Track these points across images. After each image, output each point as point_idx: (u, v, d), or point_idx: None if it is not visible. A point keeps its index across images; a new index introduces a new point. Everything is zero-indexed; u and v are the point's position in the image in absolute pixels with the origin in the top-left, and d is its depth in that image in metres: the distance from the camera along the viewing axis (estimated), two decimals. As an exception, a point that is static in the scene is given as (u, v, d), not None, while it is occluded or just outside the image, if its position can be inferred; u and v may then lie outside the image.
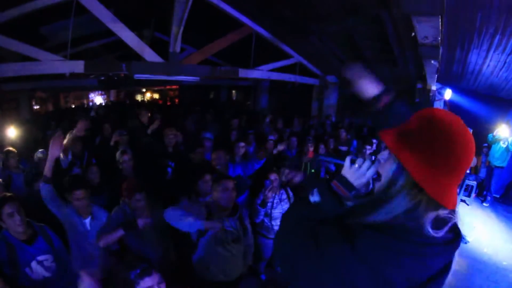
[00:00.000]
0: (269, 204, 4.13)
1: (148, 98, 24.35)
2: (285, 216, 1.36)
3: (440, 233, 1.03)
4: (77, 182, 3.32)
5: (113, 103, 18.94)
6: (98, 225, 3.28)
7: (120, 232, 3.04)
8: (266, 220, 4.20)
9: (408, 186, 1.03)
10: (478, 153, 8.92)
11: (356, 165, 1.21)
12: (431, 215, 1.01)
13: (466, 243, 5.80)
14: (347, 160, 1.24)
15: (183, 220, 2.92)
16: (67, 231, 3.21)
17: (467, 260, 5.34)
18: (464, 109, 8.46)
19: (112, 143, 5.20)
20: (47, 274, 2.76)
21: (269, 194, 4.02)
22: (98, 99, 22.95)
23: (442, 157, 0.99)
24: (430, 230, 1.00)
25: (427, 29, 2.43)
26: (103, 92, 23.43)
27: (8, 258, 2.66)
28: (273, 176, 4.16)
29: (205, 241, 3.05)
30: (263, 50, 8.41)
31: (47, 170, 3.19)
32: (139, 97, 24.78)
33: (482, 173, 8.76)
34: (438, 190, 0.99)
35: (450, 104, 8.50)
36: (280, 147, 5.28)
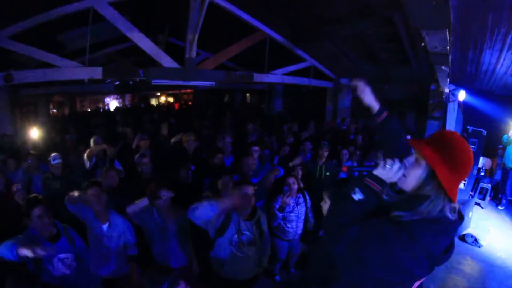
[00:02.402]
0: (286, 208, 4.23)
1: (163, 102, 24.62)
2: (335, 211, 1.65)
3: (455, 217, 1.46)
4: (93, 181, 3.51)
5: (129, 107, 19.26)
6: (115, 231, 3.43)
7: (144, 201, 3.35)
8: (282, 222, 4.30)
9: (435, 189, 1.44)
10: (493, 155, 8.77)
11: (388, 166, 1.51)
12: (448, 207, 1.45)
13: (479, 246, 5.77)
14: (381, 162, 1.54)
15: (206, 206, 2.99)
16: (88, 231, 3.38)
17: (481, 264, 5.31)
18: (478, 110, 8.38)
19: (134, 146, 5.37)
20: (67, 271, 2.91)
21: (287, 200, 4.14)
22: (113, 103, 23.30)
23: (462, 168, 1.46)
24: (450, 216, 1.44)
25: (436, 40, 2.53)
26: (118, 97, 23.79)
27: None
28: (291, 180, 4.26)
29: (222, 241, 3.17)
30: (277, 54, 8.47)
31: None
32: (154, 101, 25.09)
33: (498, 175, 8.54)
34: (453, 191, 1.43)
35: (464, 106, 8.44)
36: (297, 161, 5.33)
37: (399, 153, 1.58)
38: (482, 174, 8.10)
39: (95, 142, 5.13)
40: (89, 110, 19.52)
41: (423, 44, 2.75)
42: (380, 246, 1.42)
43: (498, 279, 4.87)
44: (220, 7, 6.86)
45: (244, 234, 3.21)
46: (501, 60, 5.74)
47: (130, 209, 3.39)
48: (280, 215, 4.20)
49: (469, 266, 5.17)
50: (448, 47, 2.59)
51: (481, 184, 7.55)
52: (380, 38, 6.75)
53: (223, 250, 3.19)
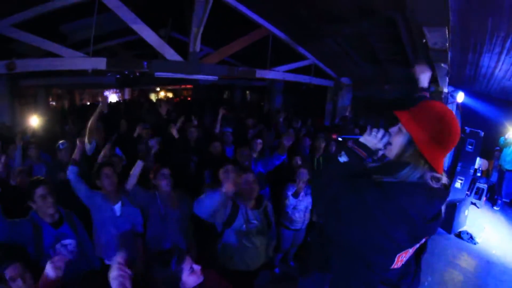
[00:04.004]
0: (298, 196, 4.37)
1: (162, 97, 24.60)
2: (322, 172, 1.77)
3: (436, 185, 1.47)
4: (106, 162, 3.66)
5: (129, 101, 19.27)
6: (126, 211, 3.47)
7: (139, 164, 3.49)
8: (290, 211, 4.39)
9: (415, 156, 1.49)
10: (490, 157, 8.94)
11: (374, 133, 1.63)
12: (429, 174, 1.47)
13: (475, 243, 5.89)
14: (368, 129, 1.65)
15: (207, 197, 3.02)
16: (94, 216, 3.40)
17: (476, 259, 5.44)
18: (476, 112, 8.49)
19: (135, 135, 5.42)
20: (68, 256, 2.89)
21: (302, 185, 4.28)
22: (112, 97, 23.27)
23: (442, 137, 1.47)
24: (430, 182, 1.46)
25: (436, 37, 2.66)
26: (118, 91, 23.76)
27: (34, 238, 2.80)
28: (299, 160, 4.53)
29: (230, 232, 3.22)
30: (279, 51, 8.55)
31: (76, 154, 3.48)
32: (153, 96, 25.07)
33: (494, 177, 8.69)
34: (435, 160, 1.47)
35: (462, 107, 8.53)
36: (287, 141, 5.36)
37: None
38: (479, 174, 8.23)
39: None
40: (88, 103, 19.50)
41: (424, 40, 2.85)
42: (355, 201, 1.48)
43: (493, 274, 5.00)
44: (224, 2, 6.91)
45: (252, 223, 3.26)
46: (500, 64, 5.81)
47: (128, 186, 3.48)
48: (294, 201, 4.31)
49: (465, 262, 5.31)
50: (447, 44, 2.71)
51: (477, 184, 7.73)
52: (381, 38, 6.80)
53: (231, 241, 3.23)
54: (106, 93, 23.64)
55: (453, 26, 5.09)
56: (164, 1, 8.24)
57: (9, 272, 2.33)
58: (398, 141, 1.57)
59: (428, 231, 1.58)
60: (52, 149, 4.98)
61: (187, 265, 2.21)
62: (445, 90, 5.91)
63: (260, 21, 7.74)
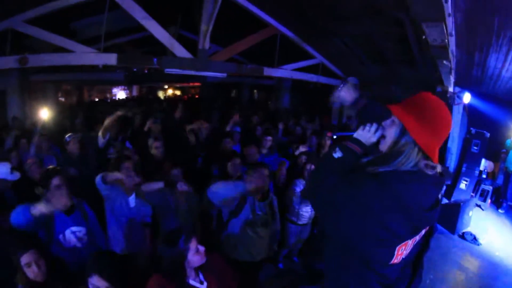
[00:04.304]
0: None
1: (170, 95, 24.76)
2: (317, 168, 1.78)
3: (431, 172, 1.51)
4: (125, 155, 3.84)
5: (137, 98, 19.45)
6: (139, 203, 3.58)
7: (160, 184, 3.54)
8: (297, 206, 4.47)
9: (409, 145, 1.52)
10: (496, 159, 8.87)
11: (367, 128, 1.67)
12: (424, 162, 1.51)
13: (478, 245, 5.91)
14: (361, 126, 1.69)
15: (228, 186, 3.18)
16: (108, 206, 3.52)
17: (479, 260, 5.46)
18: (483, 113, 8.41)
19: (146, 129, 5.54)
20: (78, 245, 3.04)
21: None
22: (120, 94, 23.48)
23: (434, 126, 1.52)
24: (425, 169, 1.50)
25: (434, 33, 2.71)
26: (125, 88, 23.96)
27: (46, 223, 2.92)
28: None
29: (236, 222, 3.35)
30: (287, 50, 8.62)
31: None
32: (161, 94, 25.24)
33: (500, 179, 8.59)
34: (429, 149, 1.51)
35: (469, 108, 8.51)
36: (302, 149, 5.51)
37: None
38: (484, 176, 8.19)
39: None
40: (97, 99, 19.73)
41: (424, 36, 2.90)
42: (352, 192, 1.51)
43: (495, 275, 5.01)
44: (233, 1, 7.02)
45: (258, 215, 3.40)
46: (507, 64, 5.77)
47: (144, 188, 3.57)
48: (300, 198, 4.39)
49: (468, 262, 5.33)
50: (446, 40, 2.75)
51: (483, 186, 7.69)
52: (388, 38, 6.83)
53: (236, 230, 3.36)
54: (114, 90, 23.89)
55: (459, 26, 5.14)
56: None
57: (24, 259, 2.44)
58: (391, 133, 1.60)
59: (427, 221, 1.59)
60: (62, 142, 5.09)
61: (193, 245, 2.36)
62: (450, 89, 5.90)
63: (269, 20, 7.81)
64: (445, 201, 7.19)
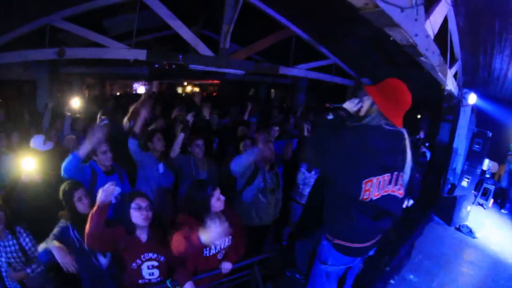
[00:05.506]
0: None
1: (189, 92, 25.21)
2: (316, 125, 2.62)
3: (391, 128, 2.24)
4: (155, 129, 4.73)
5: (159, 93, 20.00)
6: (168, 170, 4.40)
7: (182, 135, 4.37)
8: (301, 186, 4.99)
9: (376, 111, 2.29)
10: (502, 161, 8.82)
11: (352, 100, 2.45)
12: (384, 121, 2.25)
13: (474, 238, 6.08)
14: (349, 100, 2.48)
15: (246, 154, 4.02)
16: (140, 173, 4.31)
17: (473, 251, 5.63)
18: (491, 115, 8.53)
19: (172, 116, 6.14)
20: (112, 200, 3.55)
21: None
22: (141, 89, 24.10)
23: (395, 99, 2.25)
24: (384, 125, 2.24)
25: (397, 35, 3.06)
26: (146, 83, 24.54)
27: (91, 179, 3.70)
28: None
29: (250, 190, 4.09)
30: (302, 50, 9.05)
31: (137, 127, 4.24)
32: (180, 90, 25.74)
33: (504, 181, 8.60)
34: (389, 114, 2.24)
35: (477, 110, 8.58)
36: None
37: None
38: (488, 176, 8.28)
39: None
40: (118, 94, 20.37)
41: (391, 38, 3.26)
42: (334, 140, 2.23)
43: (486, 266, 5.11)
44: (252, 4, 7.54)
45: (268, 182, 4.15)
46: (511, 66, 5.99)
47: (173, 154, 4.34)
48: (308, 175, 4.90)
49: (462, 252, 5.51)
50: (411, 40, 3.12)
51: (485, 185, 7.86)
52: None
53: (250, 197, 4.07)
54: (135, 85, 24.53)
55: (463, 29, 5.43)
56: (196, 1, 8.86)
57: (77, 194, 3.15)
58: (366, 104, 2.38)
59: (390, 161, 2.25)
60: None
61: (217, 193, 3.05)
62: (448, 87, 6.07)
63: (285, 22, 8.27)
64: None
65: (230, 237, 3.25)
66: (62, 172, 3.45)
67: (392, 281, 4.14)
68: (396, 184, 2.31)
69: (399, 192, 2.33)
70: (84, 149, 3.46)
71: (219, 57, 7.29)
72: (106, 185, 2.79)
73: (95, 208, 2.74)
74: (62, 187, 3.22)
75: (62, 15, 6.17)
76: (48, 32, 6.08)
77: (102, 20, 8.23)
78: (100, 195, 2.75)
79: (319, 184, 3.07)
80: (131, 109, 5.25)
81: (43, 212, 3.56)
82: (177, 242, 2.70)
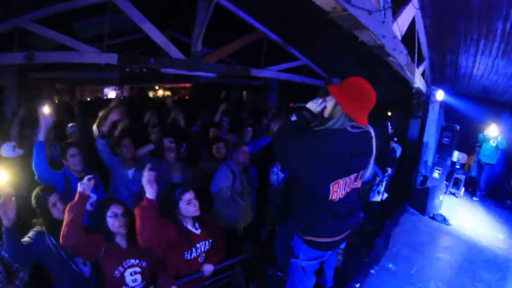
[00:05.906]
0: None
1: (160, 96, 24.90)
2: (279, 127, 2.50)
3: (356, 131, 2.20)
4: (125, 133, 4.56)
5: (129, 97, 19.67)
6: (140, 175, 4.15)
7: (150, 147, 4.50)
8: (275, 186, 4.98)
9: (339, 112, 2.23)
10: (471, 153, 9.40)
11: (315, 101, 2.39)
12: (349, 123, 2.20)
13: (448, 225, 6.30)
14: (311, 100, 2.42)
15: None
16: (111, 178, 4.22)
17: (446, 236, 5.87)
18: (458, 110, 8.93)
19: (145, 121, 6.08)
20: (89, 208, 3.55)
21: None
22: (112, 93, 23.62)
23: (358, 98, 2.22)
24: (350, 129, 2.19)
25: (364, 37, 3.16)
26: (117, 88, 24.07)
27: (65, 187, 3.61)
28: None
29: (230, 192, 4.14)
30: (273, 52, 9.09)
31: (105, 128, 4.17)
32: (151, 94, 25.41)
33: (474, 170, 9.13)
34: (354, 114, 2.20)
35: (445, 106, 8.96)
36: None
37: None
38: (458, 166, 8.68)
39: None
40: (89, 99, 19.92)
41: (359, 39, 3.35)
42: (297, 144, 2.21)
43: (462, 250, 5.30)
44: (224, 7, 7.52)
45: (244, 185, 4.22)
46: (477, 64, 6.24)
47: (139, 152, 4.36)
48: (282, 175, 4.90)
49: (437, 239, 5.74)
50: (378, 42, 3.22)
51: (455, 175, 8.21)
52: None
53: (227, 200, 4.14)
54: (106, 90, 24.04)
55: (429, 29, 5.60)
56: (168, 4, 8.72)
57: (51, 199, 3.08)
58: (330, 104, 2.31)
59: (354, 164, 2.29)
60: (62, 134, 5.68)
61: (186, 197, 3.04)
62: (416, 85, 6.29)
63: (256, 24, 8.29)
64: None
65: (210, 240, 3.26)
66: (35, 170, 3.45)
67: (372, 271, 4.23)
68: (360, 179, 2.46)
69: (357, 184, 2.47)
70: (41, 133, 3.49)
71: (191, 60, 7.20)
72: (85, 179, 2.77)
73: (74, 200, 2.73)
74: (34, 193, 3.12)
75: (33, 17, 5.95)
76: (17, 35, 5.87)
77: (72, 22, 8.01)
78: (79, 187, 2.74)
79: (289, 182, 3.24)
80: (100, 115, 5.12)
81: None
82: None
